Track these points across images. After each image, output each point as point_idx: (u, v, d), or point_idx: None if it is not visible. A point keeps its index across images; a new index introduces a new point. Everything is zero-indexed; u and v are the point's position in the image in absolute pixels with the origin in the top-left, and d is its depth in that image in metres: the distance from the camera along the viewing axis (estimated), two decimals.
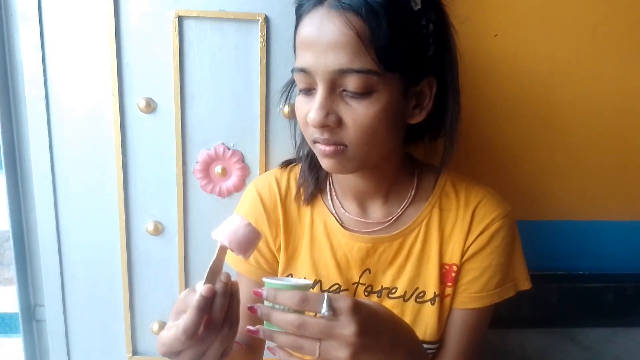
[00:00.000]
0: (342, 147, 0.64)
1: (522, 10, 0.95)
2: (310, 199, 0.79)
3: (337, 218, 0.78)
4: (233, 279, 0.57)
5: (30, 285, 0.97)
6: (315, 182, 0.79)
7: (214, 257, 0.57)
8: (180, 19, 0.85)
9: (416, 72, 0.65)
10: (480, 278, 0.75)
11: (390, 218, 0.77)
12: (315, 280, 0.77)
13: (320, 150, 0.66)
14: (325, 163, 0.67)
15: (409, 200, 0.77)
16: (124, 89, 0.87)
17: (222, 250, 0.58)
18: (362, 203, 0.78)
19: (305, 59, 0.63)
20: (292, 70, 0.66)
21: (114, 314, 0.96)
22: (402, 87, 0.64)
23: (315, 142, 0.66)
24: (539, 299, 1.04)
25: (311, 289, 0.76)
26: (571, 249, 1.08)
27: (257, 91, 0.88)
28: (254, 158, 0.92)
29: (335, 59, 0.60)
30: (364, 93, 0.61)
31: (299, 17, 0.65)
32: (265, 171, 0.92)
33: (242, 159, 0.92)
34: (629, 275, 1.09)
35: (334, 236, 0.77)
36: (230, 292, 0.56)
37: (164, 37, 0.86)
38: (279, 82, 0.88)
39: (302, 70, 0.63)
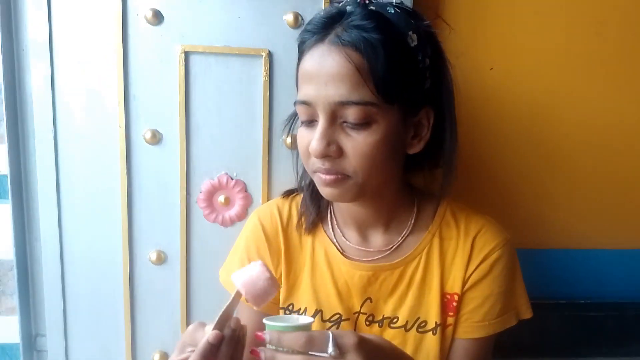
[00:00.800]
0: (342, 176, 0.66)
1: (517, 43, 0.98)
2: (312, 228, 0.80)
3: (338, 246, 0.79)
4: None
5: (32, 315, 0.97)
6: (316, 211, 0.80)
7: (229, 301, 0.58)
8: (187, 53, 0.88)
9: (414, 103, 0.67)
10: (481, 307, 0.75)
11: (391, 246, 0.77)
12: (317, 309, 0.77)
13: (321, 179, 0.67)
14: (325, 192, 0.69)
15: (409, 228, 0.78)
16: (130, 120, 0.90)
17: (238, 295, 0.59)
18: (363, 231, 0.79)
19: (307, 92, 0.65)
20: (295, 103, 0.68)
21: (116, 344, 0.96)
22: (400, 118, 0.66)
23: (315, 171, 0.68)
24: (540, 327, 1.04)
25: (312, 319, 0.76)
26: (572, 277, 1.09)
27: (260, 123, 0.91)
28: (256, 187, 0.94)
29: (336, 91, 0.62)
30: (363, 124, 0.63)
31: (301, 52, 0.68)
32: (268, 200, 0.93)
33: (244, 189, 0.94)
34: (630, 303, 1.09)
35: (335, 264, 0.78)
36: (237, 338, 0.57)
37: (171, 71, 0.88)
38: (281, 114, 0.90)
39: (304, 103, 0.66)
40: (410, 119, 0.68)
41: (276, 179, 0.94)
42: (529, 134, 1.01)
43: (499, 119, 1.00)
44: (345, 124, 0.64)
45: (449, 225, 0.78)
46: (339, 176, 0.66)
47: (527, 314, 0.79)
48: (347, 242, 0.79)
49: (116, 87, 0.88)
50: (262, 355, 0.55)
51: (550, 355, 1.10)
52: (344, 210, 0.79)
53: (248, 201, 0.94)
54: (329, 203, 0.81)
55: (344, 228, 0.80)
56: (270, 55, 0.89)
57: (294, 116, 0.82)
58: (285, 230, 0.81)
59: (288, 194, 0.86)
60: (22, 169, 0.93)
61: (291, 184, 0.90)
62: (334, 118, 0.64)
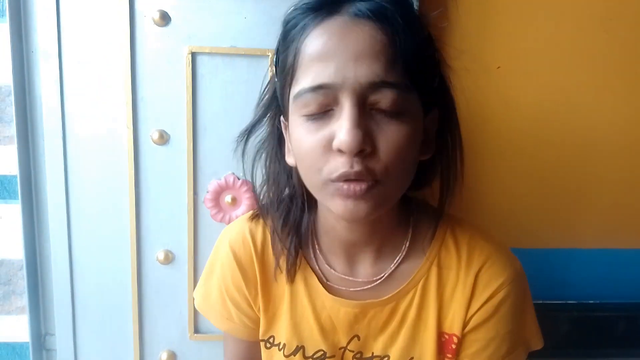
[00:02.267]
0: (372, 182, 0.53)
1: (524, 42, 0.98)
2: (294, 274, 0.67)
3: (321, 275, 0.68)
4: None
5: (42, 314, 0.98)
6: (295, 248, 0.67)
7: None
8: (194, 54, 0.89)
9: (428, 99, 0.58)
10: (485, 349, 0.65)
11: (382, 275, 0.66)
12: (298, 345, 0.68)
13: (346, 191, 0.53)
14: (346, 207, 0.54)
15: (403, 253, 0.66)
16: (138, 121, 0.90)
17: None
18: (351, 258, 0.67)
19: (326, 73, 0.51)
20: (297, 94, 0.54)
21: (124, 343, 0.96)
22: (419, 113, 0.57)
23: (338, 179, 0.53)
24: (550, 328, 1.02)
25: (292, 356, 0.68)
26: (582, 277, 1.07)
27: (266, 123, 0.91)
28: None
29: (369, 69, 0.51)
30: (397, 112, 0.52)
31: (297, 33, 0.55)
32: None
33: (251, 189, 0.94)
34: None
35: (317, 297, 0.67)
36: None
37: (178, 72, 0.89)
38: None
39: (321, 87, 0.52)
40: (424, 119, 0.59)
41: None
42: (535, 133, 1.00)
43: (505, 117, 0.99)
44: (373, 112, 0.52)
45: (449, 250, 0.66)
46: (370, 183, 0.52)
47: (537, 345, 0.69)
48: (332, 271, 0.67)
49: (124, 88, 0.89)
50: None
51: (560, 357, 1.09)
52: (330, 232, 0.66)
53: (255, 201, 0.94)
54: (308, 227, 0.68)
55: (329, 253, 0.68)
56: None
57: (258, 121, 0.68)
58: (261, 257, 0.69)
59: (254, 216, 0.72)
60: (32, 170, 0.94)
61: None
62: (363, 104, 0.52)
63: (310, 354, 0.68)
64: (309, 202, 0.67)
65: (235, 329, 0.72)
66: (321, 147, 0.53)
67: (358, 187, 0.52)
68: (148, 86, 0.90)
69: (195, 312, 0.96)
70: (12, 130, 0.91)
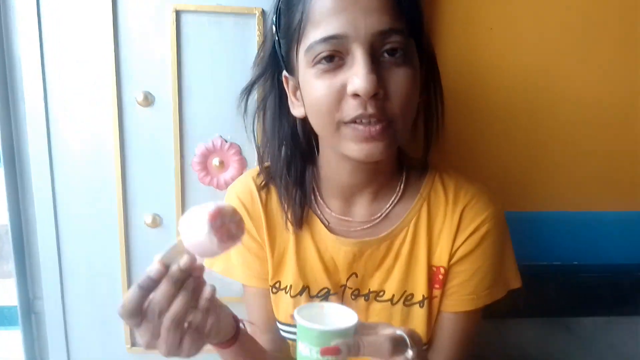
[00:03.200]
0: (386, 122, 0.59)
1: (517, 3, 0.96)
2: (301, 222, 0.73)
3: (324, 219, 0.74)
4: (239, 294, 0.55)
5: (29, 278, 0.98)
6: (301, 199, 0.73)
7: (178, 239, 0.52)
8: (178, 13, 0.86)
9: (419, 49, 0.63)
10: (470, 281, 0.72)
11: (377, 216, 0.73)
12: (303, 286, 0.74)
13: (359, 132, 0.58)
14: (362, 149, 0.60)
15: (398, 195, 0.73)
16: (122, 82, 0.88)
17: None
18: (348, 200, 0.73)
19: (338, 24, 0.56)
20: (309, 47, 0.58)
21: (113, 306, 0.93)
22: (419, 59, 0.63)
23: (348, 123, 0.59)
24: (535, 289, 1.05)
25: (299, 296, 0.74)
26: (567, 240, 1.09)
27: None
28: (251, 150, 0.93)
29: (379, 19, 0.56)
30: (404, 58, 0.58)
31: None
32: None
33: (239, 152, 0.93)
34: (624, 265, 1.10)
35: (320, 240, 0.73)
36: (184, 281, 0.51)
37: (162, 31, 0.87)
38: None
39: (335, 38, 0.57)
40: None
41: None
42: (526, 95, 1.00)
43: (496, 79, 0.98)
44: (383, 59, 0.58)
45: (438, 193, 0.73)
46: (384, 124, 0.58)
47: (516, 284, 0.77)
48: (332, 213, 0.74)
49: (107, 47, 0.86)
50: None
51: (544, 317, 1.12)
52: (332, 178, 0.73)
53: (243, 164, 0.93)
54: (313, 174, 0.74)
55: (328, 198, 0.75)
56: (264, 14, 0.87)
57: (258, 78, 0.71)
58: (265, 207, 0.75)
59: (259, 176, 0.77)
60: (14, 133, 0.92)
61: None
62: (374, 52, 0.57)
63: (315, 293, 0.74)
64: (311, 153, 0.73)
65: (262, 281, 0.77)
66: (335, 93, 0.58)
67: (374, 128, 0.58)
68: (131, 46, 0.87)
69: None
70: None
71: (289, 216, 0.73)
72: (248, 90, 0.74)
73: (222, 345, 0.64)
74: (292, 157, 0.72)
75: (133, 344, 0.98)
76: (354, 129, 0.59)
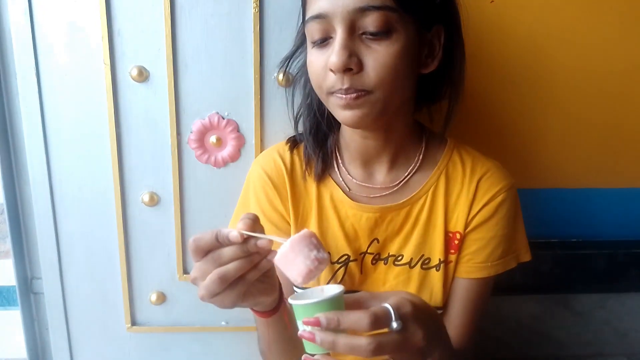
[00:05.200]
0: (363, 92, 0.63)
1: None
2: (321, 176, 0.78)
3: (344, 187, 0.78)
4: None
5: (27, 258, 0.97)
6: (323, 156, 0.78)
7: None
8: None
9: (427, 18, 0.65)
10: (485, 248, 0.76)
11: (397, 182, 0.77)
12: None
13: (340, 100, 0.64)
14: (345, 115, 0.65)
15: (417, 165, 0.77)
16: (115, 57, 0.86)
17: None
18: (368, 166, 0.78)
19: (320, 4, 0.62)
20: (306, 23, 0.65)
21: (112, 285, 0.96)
22: (416, 30, 0.64)
23: (333, 93, 0.65)
24: (532, 265, 1.03)
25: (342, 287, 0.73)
26: (564, 216, 1.09)
27: (251, 59, 0.87)
28: (249, 127, 0.91)
29: None
30: (385, 32, 0.61)
31: None
32: (260, 140, 0.91)
33: (237, 129, 0.91)
34: (621, 242, 1.11)
35: (341, 207, 0.77)
36: (252, 261, 0.55)
37: (156, 3, 0.84)
38: (273, 49, 0.87)
39: (318, 17, 0.62)
40: (424, 35, 0.67)
41: (269, 118, 0.91)
42: (528, 70, 0.98)
43: (499, 54, 0.96)
44: (364, 36, 0.62)
45: (455, 165, 0.78)
46: (360, 93, 0.63)
47: (526, 257, 0.81)
48: (353, 180, 0.78)
49: (99, 21, 0.84)
50: (318, 338, 0.51)
51: (543, 292, 1.12)
52: (350, 144, 0.77)
53: (241, 141, 0.92)
54: (335, 142, 0.79)
55: (349, 165, 0.79)
56: None
57: (296, 50, 0.79)
58: (290, 175, 0.79)
59: (288, 142, 0.83)
60: (6, 111, 0.90)
61: (284, 122, 0.88)
62: (353, 29, 0.61)
63: (335, 260, 0.77)
64: (335, 122, 0.77)
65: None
66: (321, 68, 0.65)
67: (348, 96, 0.63)
68: (125, 19, 0.85)
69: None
70: None
71: (310, 168, 0.78)
72: (287, 60, 0.80)
73: (259, 314, 0.66)
74: (318, 124, 0.78)
75: (133, 323, 0.98)
76: (336, 97, 0.65)
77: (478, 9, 0.94)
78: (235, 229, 0.53)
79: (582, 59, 0.99)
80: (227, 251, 0.54)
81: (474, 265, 0.77)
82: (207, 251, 0.54)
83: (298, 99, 0.83)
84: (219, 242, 0.54)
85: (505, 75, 0.98)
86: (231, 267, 0.54)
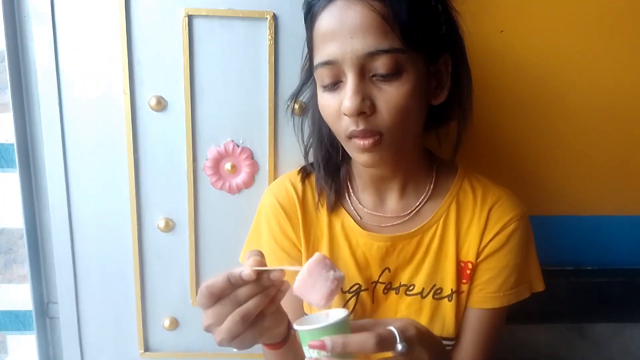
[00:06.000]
0: (378, 136, 0.64)
1: (528, 6, 0.96)
2: (334, 207, 0.78)
3: (356, 215, 0.78)
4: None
5: (44, 282, 0.98)
6: (335, 187, 0.78)
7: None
8: (190, 17, 0.86)
9: (434, 50, 0.66)
10: (497, 278, 0.75)
11: (409, 211, 0.77)
12: None
13: (358, 145, 0.65)
14: (363, 158, 0.67)
15: (428, 193, 0.77)
16: (135, 87, 0.89)
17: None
18: (379, 194, 0.78)
19: (329, 50, 0.62)
20: (315, 68, 0.66)
21: (126, 311, 0.97)
22: (425, 64, 0.65)
23: (350, 137, 0.65)
24: (548, 293, 1.03)
25: (347, 312, 0.74)
26: (579, 244, 1.08)
27: (265, 88, 0.90)
28: (263, 154, 0.93)
29: (364, 43, 0.60)
30: (395, 74, 0.62)
31: (312, 16, 0.66)
32: (274, 168, 0.93)
33: (251, 156, 0.93)
34: (637, 270, 1.09)
35: (352, 236, 0.77)
36: (268, 294, 0.55)
37: (174, 35, 0.87)
38: (287, 79, 0.89)
39: (328, 63, 0.63)
40: (433, 67, 0.67)
41: (282, 146, 0.93)
42: (538, 98, 0.99)
43: (509, 82, 0.97)
44: (375, 78, 0.62)
45: (466, 193, 0.77)
46: (375, 137, 0.64)
47: (540, 286, 0.80)
48: (364, 209, 0.78)
49: (120, 52, 0.87)
50: None
51: (557, 322, 1.10)
52: (362, 174, 0.78)
53: (255, 168, 0.93)
54: (346, 172, 0.80)
55: (361, 194, 0.79)
56: (275, 18, 0.87)
57: (302, 86, 0.80)
58: (302, 204, 0.80)
59: (299, 172, 0.84)
60: (29, 138, 0.93)
61: (297, 150, 0.89)
62: (363, 72, 0.62)
63: (347, 289, 0.77)
64: (345, 152, 0.76)
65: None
66: (335, 112, 0.65)
67: (366, 141, 0.64)
68: (144, 50, 0.88)
69: (198, 278, 0.96)
70: (7, 97, 0.90)
71: (323, 200, 0.78)
72: (295, 95, 0.82)
73: (271, 347, 0.66)
74: (329, 156, 0.78)
75: (146, 349, 0.99)
76: (353, 142, 0.66)
77: (487, 37, 0.95)
78: (246, 267, 0.53)
79: (595, 83, 0.99)
80: (244, 290, 0.54)
81: (487, 295, 0.76)
82: (220, 296, 0.54)
83: (307, 130, 0.84)
84: (232, 284, 0.54)
85: (516, 104, 0.99)
86: (251, 304, 0.54)
